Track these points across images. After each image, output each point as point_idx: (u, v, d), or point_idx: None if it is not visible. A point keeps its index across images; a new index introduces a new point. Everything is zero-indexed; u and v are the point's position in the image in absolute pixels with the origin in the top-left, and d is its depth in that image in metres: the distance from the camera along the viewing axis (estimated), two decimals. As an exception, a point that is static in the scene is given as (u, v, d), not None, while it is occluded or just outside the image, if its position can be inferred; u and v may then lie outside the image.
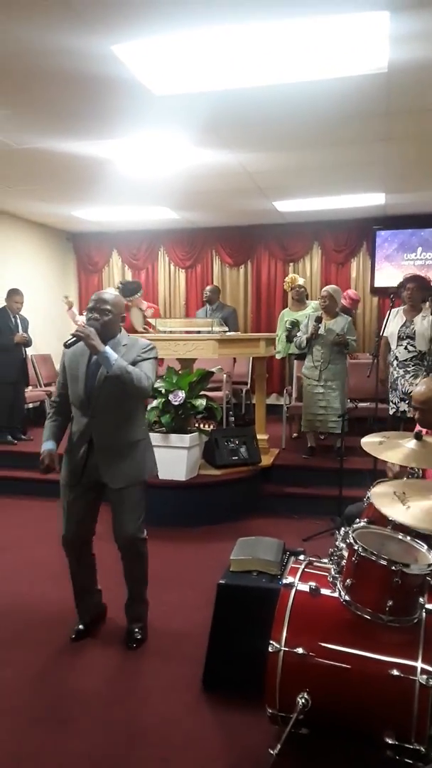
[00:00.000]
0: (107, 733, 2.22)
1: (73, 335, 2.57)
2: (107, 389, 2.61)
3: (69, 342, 2.60)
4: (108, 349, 2.54)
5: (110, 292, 2.79)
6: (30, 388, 6.60)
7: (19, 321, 6.17)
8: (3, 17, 2.79)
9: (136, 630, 2.84)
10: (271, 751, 1.90)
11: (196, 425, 4.76)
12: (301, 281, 6.64)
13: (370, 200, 6.63)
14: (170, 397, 4.50)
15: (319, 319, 5.02)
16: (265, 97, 3.73)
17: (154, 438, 4.54)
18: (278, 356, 6.58)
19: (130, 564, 2.83)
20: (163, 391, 4.57)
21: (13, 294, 6.13)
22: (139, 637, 2.83)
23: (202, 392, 4.70)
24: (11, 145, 4.63)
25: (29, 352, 6.46)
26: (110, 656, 2.75)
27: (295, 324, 5.58)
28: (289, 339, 5.68)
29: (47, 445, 2.74)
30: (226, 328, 5.60)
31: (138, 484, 2.76)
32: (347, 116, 4.11)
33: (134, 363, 2.62)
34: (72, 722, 2.28)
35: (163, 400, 4.54)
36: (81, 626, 2.89)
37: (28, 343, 6.14)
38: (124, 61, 3.23)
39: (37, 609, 3.21)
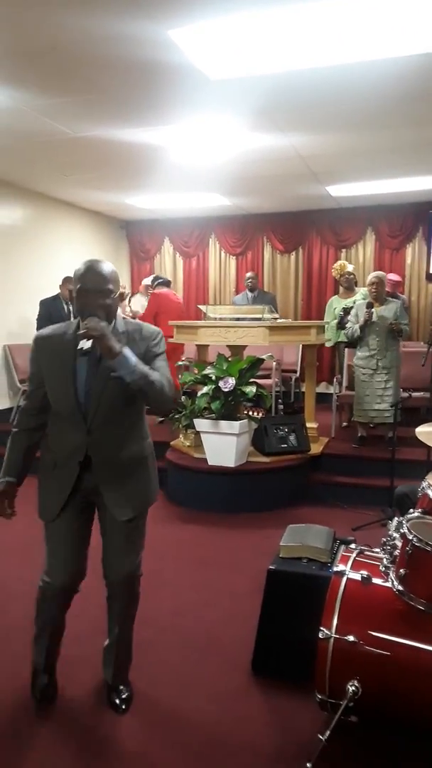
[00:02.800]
0: (156, 712, 2.28)
1: (87, 336, 1.89)
2: (112, 395, 2.01)
3: (85, 348, 1.92)
4: (127, 350, 1.94)
5: (107, 263, 2.09)
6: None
7: (71, 311, 6.31)
8: (59, 6, 2.83)
9: (122, 687, 2.30)
10: (321, 737, 1.91)
11: (246, 412, 4.77)
12: (350, 268, 6.52)
13: (427, 184, 6.42)
14: (220, 383, 4.52)
15: (370, 305, 4.93)
16: (320, 79, 3.66)
17: (204, 424, 4.62)
18: (328, 344, 6.50)
19: (122, 605, 2.27)
20: (214, 377, 4.59)
21: (67, 282, 6.27)
22: (126, 695, 2.28)
23: (252, 379, 4.70)
24: (68, 133, 4.71)
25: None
26: (163, 638, 2.80)
27: (347, 311, 5.48)
28: (341, 326, 5.59)
29: (6, 477, 2.15)
30: (277, 315, 5.57)
31: (146, 511, 2.21)
32: (404, 97, 3.98)
33: (145, 359, 2.03)
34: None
35: (213, 386, 4.56)
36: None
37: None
38: (180, 46, 3.22)
39: (91, 587, 3.31)
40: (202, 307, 5.75)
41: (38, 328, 6.09)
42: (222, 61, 3.42)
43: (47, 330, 2.15)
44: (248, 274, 7.14)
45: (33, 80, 3.70)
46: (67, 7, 2.85)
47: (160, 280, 6.50)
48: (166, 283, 6.52)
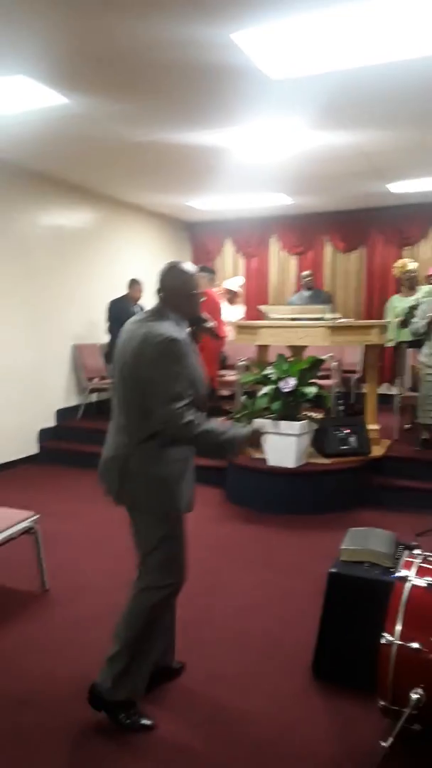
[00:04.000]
0: (216, 711, 2.31)
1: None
2: None
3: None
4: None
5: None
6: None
7: (139, 311, 6.45)
8: (124, 12, 2.91)
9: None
10: (383, 744, 1.89)
11: (306, 413, 4.74)
12: (411, 266, 6.35)
13: None
14: (280, 384, 4.51)
15: (437, 300, 4.78)
16: (383, 75, 3.59)
17: (264, 424, 4.61)
18: (389, 344, 6.35)
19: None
20: (274, 378, 4.59)
21: (135, 284, 6.47)
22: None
23: (312, 380, 4.67)
24: (135, 137, 4.82)
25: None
26: (223, 638, 2.83)
27: (414, 308, 5.34)
28: (405, 324, 5.45)
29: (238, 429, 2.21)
30: (339, 315, 5.50)
31: None
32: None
33: None
34: (184, 696, 2.39)
35: (274, 386, 4.56)
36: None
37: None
38: (242, 48, 3.24)
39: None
40: (263, 308, 5.76)
41: (109, 328, 6.36)
42: (283, 61, 3.42)
43: (177, 333, 2.08)
44: (305, 273, 7.09)
45: (101, 86, 3.82)
46: (131, 14, 2.92)
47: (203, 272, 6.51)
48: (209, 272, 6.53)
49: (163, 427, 2.04)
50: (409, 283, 6.19)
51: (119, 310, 6.34)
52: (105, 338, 6.66)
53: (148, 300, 6.72)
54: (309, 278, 6.97)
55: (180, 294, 2.16)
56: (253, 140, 4.87)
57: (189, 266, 2.21)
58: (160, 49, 3.29)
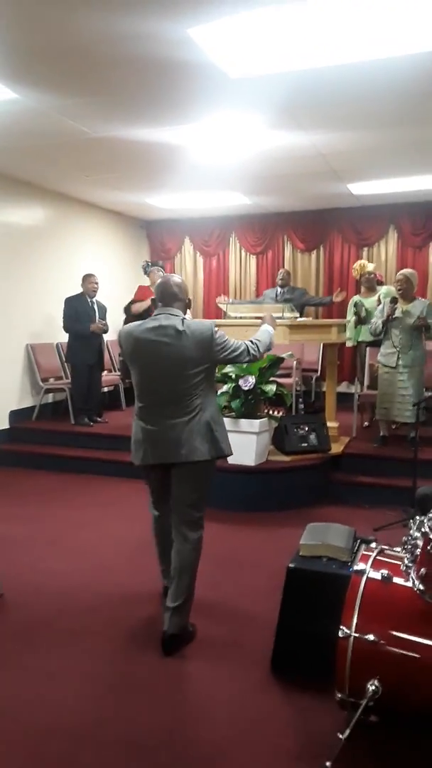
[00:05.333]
0: (176, 708, 2.29)
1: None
2: None
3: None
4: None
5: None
6: (105, 372, 6.80)
7: (96, 308, 6.37)
8: (79, 5, 2.85)
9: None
10: (340, 735, 1.90)
11: (266, 411, 4.76)
12: (370, 267, 6.45)
13: (452, 180, 6.33)
14: (240, 382, 4.51)
15: (395, 300, 4.88)
16: (342, 76, 3.62)
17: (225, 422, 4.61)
18: (348, 343, 6.44)
19: None
20: (234, 376, 4.59)
21: (88, 277, 6.34)
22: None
23: (272, 378, 4.69)
24: (88, 133, 4.74)
25: (105, 337, 6.66)
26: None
27: (360, 305, 5.42)
28: (361, 321, 5.53)
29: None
30: (297, 314, 5.54)
31: None
32: (427, 93, 3.93)
33: None
34: (141, 695, 2.36)
35: (233, 385, 4.56)
36: None
37: (103, 331, 6.33)
38: (199, 45, 3.22)
39: (114, 584, 3.34)
40: (222, 306, 5.76)
41: (65, 326, 6.25)
42: (241, 59, 3.41)
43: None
44: (281, 271, 7.19)
45: (53, 81, 3.74)
46: (86, 7, 2.87)
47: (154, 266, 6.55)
48: (158, 265, 6.55)
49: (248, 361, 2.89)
50: (367, 284, 6.29)
51: (75, 308, 6.23)
52: (62, 337, 6.53)
53: (105, 299, 6.65)
54: (284, 276, 7.05)
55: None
56: (211, 139, 4.86)
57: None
58: (114, 43, 3.24)
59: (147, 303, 6.04)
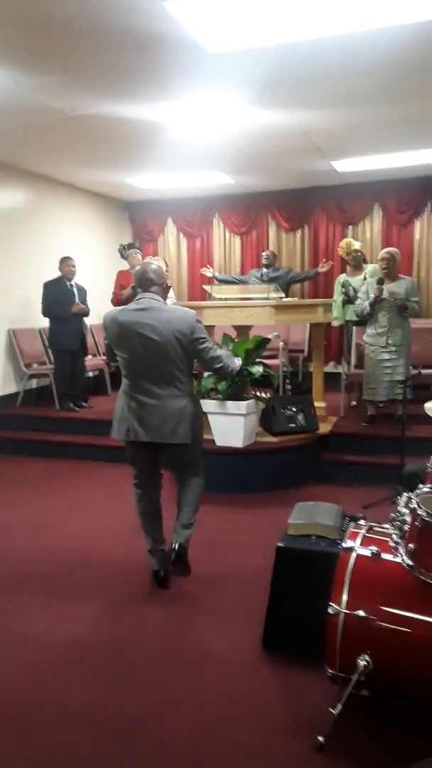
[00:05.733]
0: (169, 686, 2.30)
1: None
2: None
3: None
4: None
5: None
6: (89, 357, 6.74)
7: (76, 291, 6.28)
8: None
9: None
10: (332, 710, 1.92)
11: (253, 393, 4.74)
12: (357, 245, 6.42)
13: (436, 156, 6.29)
14: (227, 363, 4.48)
15: (381, 281, 4.86)
16: (323, 50, 3.56)
17: (211, 405, 4.60)
18: (335, 323, 6.44)
19: None
20: (220, 351, 4.55)
21: (66, 260, 6.25)
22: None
23: (259, 359, 4.67)
24: (66, 111, 4.64)
25: (87, 321, 6.58)
26: (173, 614, 2.83)
27: (347, 285, 5.39)
28: (350, 301, 5.51)
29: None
30: (283, 294, 5.51)
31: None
32: (410, 68, 3.88)
33: None
34: (135, 675, 2.37)
35: (220, 367, 4.53)
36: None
37: (85, 313, 6.25)
38: (177, 19, 3.14)
39: (105, 564, 3.34)
40: (207, 287, 5.71)
41: (44, 311, 6.16)
42: (220, 34, 3.33)
43: None
44: (266, 252, 7.13)
45: (27, 57, 3.64)
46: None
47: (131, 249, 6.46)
48: (136, 247, 6.47)
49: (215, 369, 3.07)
50: (354, 262, 6.26)
51: (55, 292, 6.13)
52: (45, 322, 6.44)
53: (87, 281, 6.56)
54: (268, 256, 7.01)
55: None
56: (191, 116, 4.77)
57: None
58: (90, 15, 3.14)
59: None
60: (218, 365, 2.99)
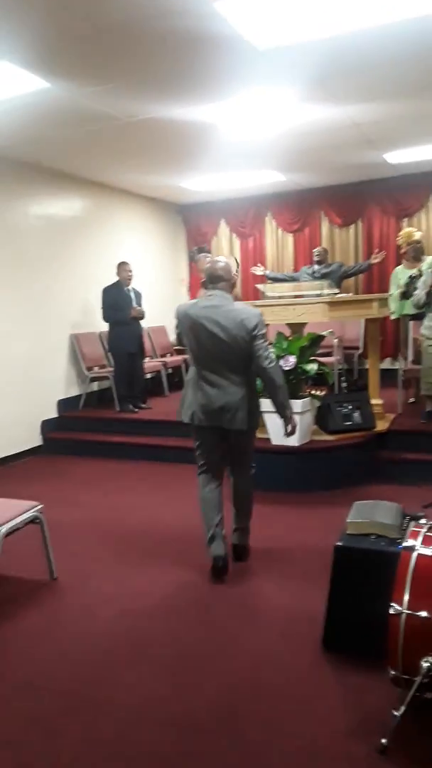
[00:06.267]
0: (230, 686, 2.31)
1: None
2: None
3: None
4: None
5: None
6: (147, 359, 6.87)
7: (133, 295, 6.42)
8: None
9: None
10: (395, 713, 1.88)
11: (308, 391, 4.70)
12: (417, 236, 6.24)
13: None
14: (281, 362, 4.47)
15: (437, 271, 4.72)
16: (372, 40, 3.49)
17: (266, 404, 4.57)
18: (393, 316, 6.29)
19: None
20: (274, 356, 4.54)
21: (123, 265, 6.40)
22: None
23: (313, 357, 4.62)
24: (120, 118, 4.74)
25: (144, 324, 6.70)
26: (235, 614, 2.85)
27: (415, 277, 5.23)
28: (406, 295, 5.36)
29: None
30: (337, 290, 5.44)
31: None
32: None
33: None
34: (197, 672, 2.40)
35: (274, 365, 4.51)
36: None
37: (142, 316, 6.38)
38: (226, 17, 3.15)
39: (164, 567, 3.40)
40: (260, 287, 5.70)
41: (104, 315, 6.32)
42: (269, 30, 3.32)
43: None
44: (317, 249, 7.07)
45: (82, 66, 3.74)
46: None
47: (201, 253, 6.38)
48: (206, 251, 6.42)
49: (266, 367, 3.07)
50: (414, 253, 6.08)
51: (114, 297, 6.29)
52: (102, 326, 6.61)
53: (144, 285, 6.69)
54: (320, 252, 6.95)
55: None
56: (242, 115, 4.78)
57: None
58: (139, 22, 3.20)
59: None
60: (268, 363, 3.05)
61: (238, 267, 6.40)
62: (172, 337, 7.96)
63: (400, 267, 6.28)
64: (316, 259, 6.98)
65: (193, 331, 3.07)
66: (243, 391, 3.08)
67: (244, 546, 3.36)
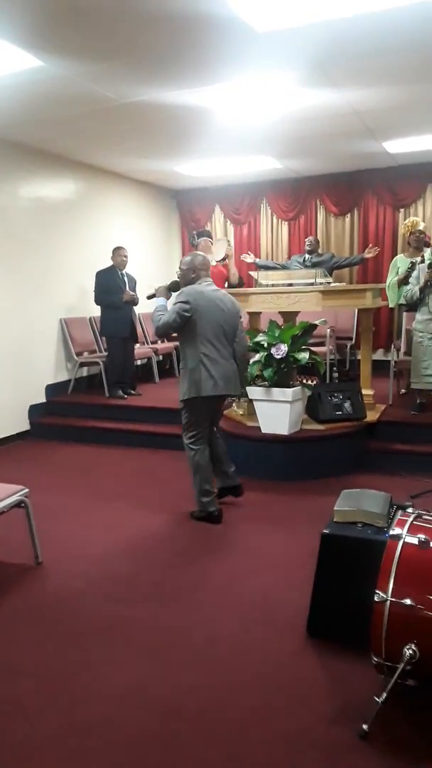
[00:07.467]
0: (213, 672, 2.32)
1: (154, 290, 3.89)
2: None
3: (148, 295, 3.93)
4: (157, 300, 3.80)
5: (188, 256, 3.78)
6: (138, 345, 6.82)
7: (127, 280, 6.36)
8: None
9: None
10: (377, 699, 1.89)
11: (299, 380, 4.69)
12: (421, 226, 6.21)
13: None
14: (272, 350, 4.45)
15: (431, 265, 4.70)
16: (376, 25, 3.43)
17: (257, 392, 4.58)
18: (390, 305, 6.26)
19: None
20: (266, 344, 4.53)
21: (118, 249, 6.34)
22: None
23: (305, 346, 4.61)
24: (115, 99, 4.66)
25: (136, 310, 6.65)
26: (219, 600, 2.85)
27: (418, 264, 5.17)
28: (405, 281, 5.32)
29: None
30: (330, 279, 5.41)
31: (182, 402, 3.67)
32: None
33: None
34: (180, 657, 2.40)
35: (265, 353, 4.50)
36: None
37: (135, 302, 6.32)
38: (225, -2, 3.09)
39: (151, 550, 3.39)
40: (253, 274, 5.66)
41: (97, 299, 6.26)
42: (269, 12, 3.26)
43: None
44: (309, 238, 7.02)
45: (77, 44, 3.66)
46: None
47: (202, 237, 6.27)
48: (207, 234, 6.34)
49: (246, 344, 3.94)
50: (416, 243, 6.04)
51: (107, 280, 6.23)
52: (95, 311, 6.55)
53: (137, 270, 6.63)
54: (311, 242, 6.89)
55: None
56: (239, 99, 4.71)
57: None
58: (135, 1, 3.13)
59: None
60: (247, 341, 3.87)
61: (230, 247, 6.32)
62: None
63: (400, 256, 6.26)
64: (307, 248, 6.93)
65: (207, 310, 3.55)
66: (233, 362, 3.68)
67: (239, 484, 3.99)
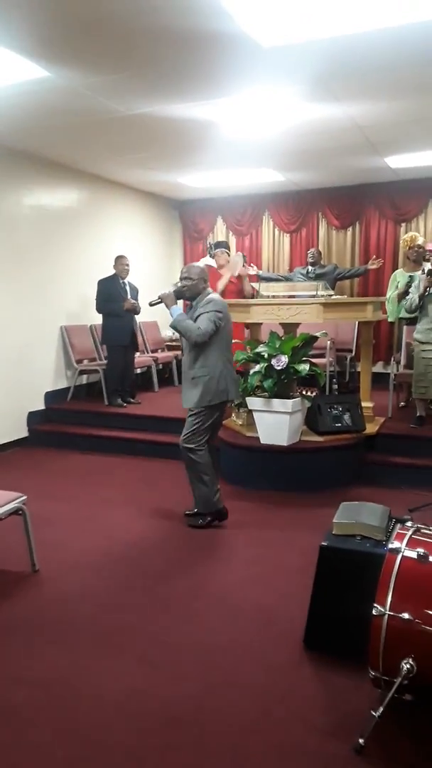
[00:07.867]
0: (209, 681, 2.31)
1: (158, 297, 3.76)
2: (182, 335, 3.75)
3: (152, 302, 3.84)
4: (174, 308, 3.73)
5: (196, 264, 3.86)
6: (138, 354, 6.84)
7: (129, 289, 6.39)
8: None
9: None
10: (374, 713, 1.88)
11: (299, 391, 4.70)
12: (421, 240, 6.25)
13: None
14: (273, 361, 4.46)
15: (431, 272, 4.72)
16: (377, 42, 3.48)
17: (257, 402, 4.59)
18: (389, 319, 6.29)
19: (186, 464, 3.81)
20: (266, 355, 4.54)
21: (120, 258, 6.37)
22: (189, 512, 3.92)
23: (306, 358, 4.62)
24: (120, 110, 4.70)
25: (137, 319, 6.67)
26: (216, 610, 2.84)
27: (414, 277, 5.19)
28: (405, 295, 5.35)
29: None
30: (332, 292, 5.44)
31: (193, 409, 3.73)
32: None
33: (198, 317, 3.64)
34: (177, 666, 2.39)
35: (266, 364, 4.51)
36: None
37: (136, 310, 6.35)
38: (231, 14, 3.13)
39: (149, 559, 3.38)
40: (255, 285, 5.69)
41: (98, 307, 6.29)
42: (274, 28, 3.30)
43: None
44: (311, 250, 7.07)
45: (84, 57, 3.70)
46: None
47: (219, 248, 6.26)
48: (224, 246, 6.36)
49: None
50: (415, 257, 6.08)
51: (108, 289, 6.26)
52: (96, 319, 6.57)
53: (138, 280, 6.66)
54: (314, 254, 6.94)
55: None
56: (243, 113, 4.76)
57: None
58: (143, 15, 3.17)
59: (226, 279, 5.96)
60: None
61: (244, 264, 6.39)
62: (164, 332, 7.96)
63: (399, 270, 6.30)
64: (309, 260, 6.98)
65: (229, 320, 3.81)
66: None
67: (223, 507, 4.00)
